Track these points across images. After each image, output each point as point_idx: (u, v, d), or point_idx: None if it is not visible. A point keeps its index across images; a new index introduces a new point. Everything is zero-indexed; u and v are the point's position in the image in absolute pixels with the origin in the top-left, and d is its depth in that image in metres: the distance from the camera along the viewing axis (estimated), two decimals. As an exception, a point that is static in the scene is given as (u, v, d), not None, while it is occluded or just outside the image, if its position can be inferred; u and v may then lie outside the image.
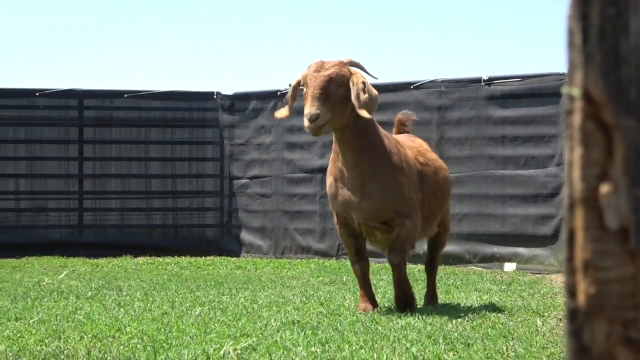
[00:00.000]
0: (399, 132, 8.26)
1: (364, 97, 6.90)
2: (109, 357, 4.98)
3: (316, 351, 5.20)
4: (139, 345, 5.39)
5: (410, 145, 7.77)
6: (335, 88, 6.89)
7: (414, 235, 7.36)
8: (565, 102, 1.87)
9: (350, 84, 6.93)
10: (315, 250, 14.57)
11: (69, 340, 5.59)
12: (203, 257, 14.21)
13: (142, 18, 31.22)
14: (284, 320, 6.56)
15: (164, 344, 5.43)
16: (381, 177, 7.17)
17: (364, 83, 6.97)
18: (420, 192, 7.50)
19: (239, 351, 5.18)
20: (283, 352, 5.16)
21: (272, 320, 6.53)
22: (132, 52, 31.60)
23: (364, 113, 6.86)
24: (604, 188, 1.78)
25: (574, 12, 1.84)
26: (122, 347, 5.36)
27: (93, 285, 9.61)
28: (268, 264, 13.38)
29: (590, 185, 1.80)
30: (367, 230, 7.35)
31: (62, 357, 4.99)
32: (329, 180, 7.33)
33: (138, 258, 14.14)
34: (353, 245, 7.41)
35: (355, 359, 4.95)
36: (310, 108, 6.78)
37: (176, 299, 8.09)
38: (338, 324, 6.35)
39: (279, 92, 15.33)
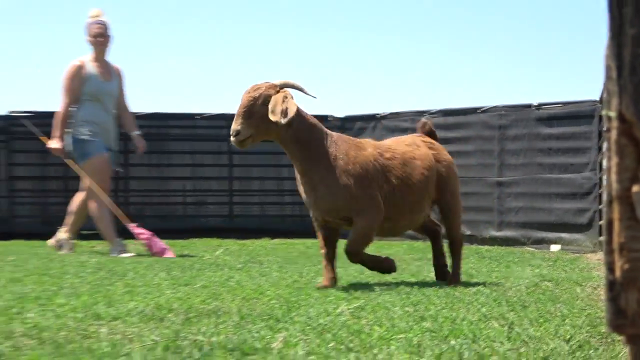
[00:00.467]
0: (423, 133, 7.49)
1: (278, 108, 6.35)
2: (254, 313, 5.00)
3: (409, 310, 5.19)
4: (276, 305, 5.42)
5: (377, 144, 6.94)
6: (259, 107, 6.39)
7: (369, 231, 6.71)
8: (604, 122, 1.86)
9: (271, 101, 6.39)
10: (407, 235, 14.59)
11: (224, 300, 5.63)
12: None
13: (275, 54, 31.35)
14: (384, 287, 6.54)
15: (295, 304, 5.45)
16: (328, 182, 6.54)
17: (285, 97, 6.40)
18: (385, 184, 6.75)
19: (351, 310, 5.18)
20: (384, 311, 5.15)
21: (376, 287, 6.52)
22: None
23: (274, 118, 6.32)
24: (635, 188, 1.77)
25: (610, 52, 1.83)
26: (264, 306, 5.39)
27: (241, 260, 9.68)
28: (371, 245, 13.37)
29: (624, 186, 1.78)
30: (332, 223, 6.80)
31: (219, 313, 5.03)
32: (297, 180, 6.79)
33: (274, 239, 14.22)
34: (322, 233, 6.82)
35: (439, 317, 4.93)
36: (234, 124, 6.42)
37: (303, 270, 8.12)
38: (425, 290, 6.32)
39: (377, 115, 15.36)
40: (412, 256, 10.70)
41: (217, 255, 10.44)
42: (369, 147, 6.84)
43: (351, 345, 4.04)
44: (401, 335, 4.28)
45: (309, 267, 8.67)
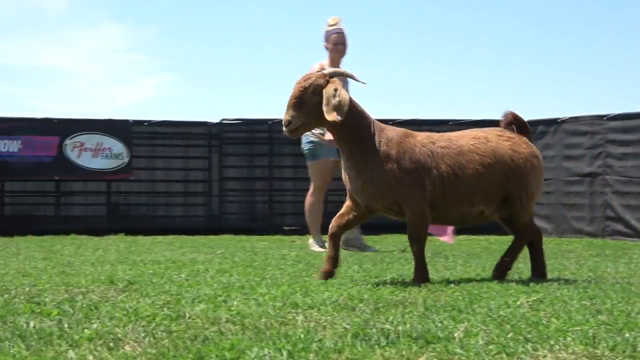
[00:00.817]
0: (505, 126, 6.78)
1: (333, 101, 6.03)
2: (438, 304, 4.96)
3: (586, 304, 5.05)
4: (459, 297, 5.36)
5: (430, 134, 6.46)
6: (309, 96, 6.08)
7: (422, 217, 6.23)
8: None
9: (323, 92, 6.08)
10: (586, 232, 14.30)
11: (411, 292, 5.60)
12: (505, 236, 14.07)
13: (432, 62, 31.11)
14: (562, 281, 6.39)
15: (477, 296, 5.37)
16: (375, 166, 6.16)
17: (335, 89, 6.07)
18: (435, 170, 6.23)
19: (530, 302, 5.07)
20: (562, 304, 5.03)
21: (555, 281, 6.37)
22: (448, 87, 31.48)
23: (330, 117, 6.02)
24: None
25: None
26: (447, 297, 5.34)
27: (427, 254, 9.46)
28: (551, 241, 13.10)
29: None
30: (377, 210, 6.43)
31: (406, 303, 5.01)
32: (342, 167, 6.46)
33: (459, 236, 14.06)
34: (342, 211, 6.54)
35: (614, 310, 4.77)
36: (285, 115, 6.09)
37: (486, 265, 8.01)
38: (602, 285, 6.15)
39: (558, 119, 15.10)
40: (590, 252, 10.42)
41: (405, 250, 10.41)
42: (419, 135, 6.44)
43: (529, 336, 3.97)
44: (577, 328, 4.17)
45: (491, 261, 8.53)
